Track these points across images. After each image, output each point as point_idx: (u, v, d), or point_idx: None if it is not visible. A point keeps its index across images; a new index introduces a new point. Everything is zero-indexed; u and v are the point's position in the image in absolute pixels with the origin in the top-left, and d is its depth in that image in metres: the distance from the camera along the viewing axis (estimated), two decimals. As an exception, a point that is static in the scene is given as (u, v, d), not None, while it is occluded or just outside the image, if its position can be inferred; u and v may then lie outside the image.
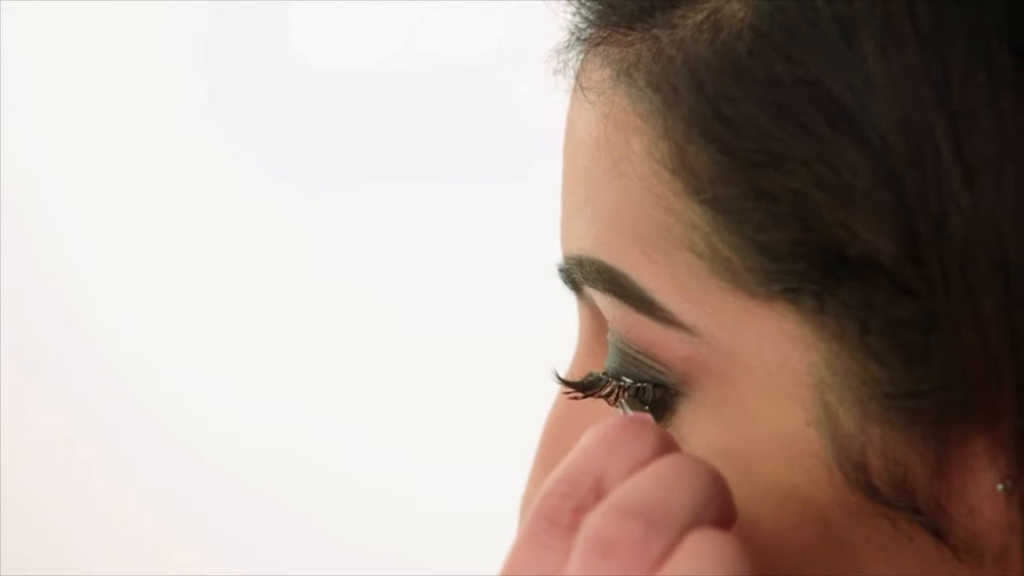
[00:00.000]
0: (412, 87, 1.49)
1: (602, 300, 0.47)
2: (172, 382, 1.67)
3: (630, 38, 0.45)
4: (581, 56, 0.48)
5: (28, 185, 1.70)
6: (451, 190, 1.49)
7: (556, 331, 0.61)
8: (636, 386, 0.46)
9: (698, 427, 0.44)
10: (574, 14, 0.47)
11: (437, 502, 1.50)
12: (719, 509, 0.39)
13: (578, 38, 0.48)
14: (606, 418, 0.43)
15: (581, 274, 0.47)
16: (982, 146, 0.39)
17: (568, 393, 0.49)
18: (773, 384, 0.43)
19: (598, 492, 0.40)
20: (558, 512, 0.40)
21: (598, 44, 0.46)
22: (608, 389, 0.47)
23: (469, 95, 1.45)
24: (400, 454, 1.55)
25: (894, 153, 0.40)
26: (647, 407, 0.46)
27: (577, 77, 0.48)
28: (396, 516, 1.55)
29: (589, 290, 0.48)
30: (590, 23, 0.47)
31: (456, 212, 1.49)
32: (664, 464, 0.40)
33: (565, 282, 0.50)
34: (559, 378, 0.50)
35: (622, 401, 0.46)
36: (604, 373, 0.47)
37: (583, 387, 0.48)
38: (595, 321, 0.50)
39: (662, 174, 0.44)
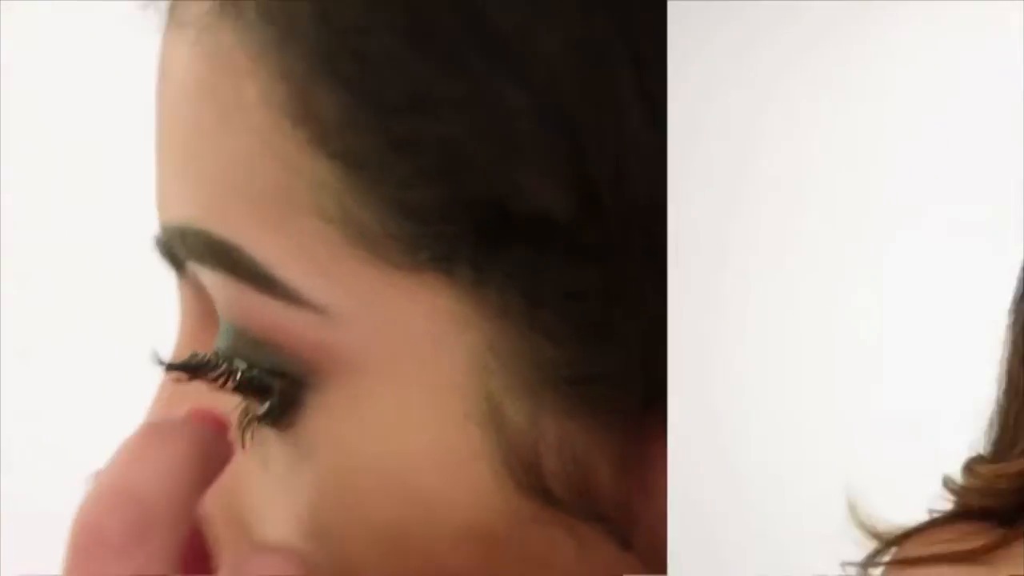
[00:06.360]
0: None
1: (211, 278, 0.38)
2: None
3: None
4: None
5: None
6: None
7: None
8: (251, 375, 0.38)
9: (331, 426, 0.37)
10: None
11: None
12: None
13: None
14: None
15: (184, 248, 0.39)
16: (664, 71, 0.33)
17: (173, 377, 0.40)
18: (426, 372, 0.36)
19: None
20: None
21: None
22: (217, 373, 0.38)
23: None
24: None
25: (563, 86, 0.33)
26: (269, 399, 0.38)
27: (171, 11, 0.39)
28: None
29: (194, 266, 0.39)
30: None
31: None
32: None
33: (164, 256, 0.41)
34: (159, 360, 0.41)
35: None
36: (215, 353, 0.38)
37: (188, 368, 0.39)
38: (201, 304, 0.41)
39: (281, 124, 0.36)
